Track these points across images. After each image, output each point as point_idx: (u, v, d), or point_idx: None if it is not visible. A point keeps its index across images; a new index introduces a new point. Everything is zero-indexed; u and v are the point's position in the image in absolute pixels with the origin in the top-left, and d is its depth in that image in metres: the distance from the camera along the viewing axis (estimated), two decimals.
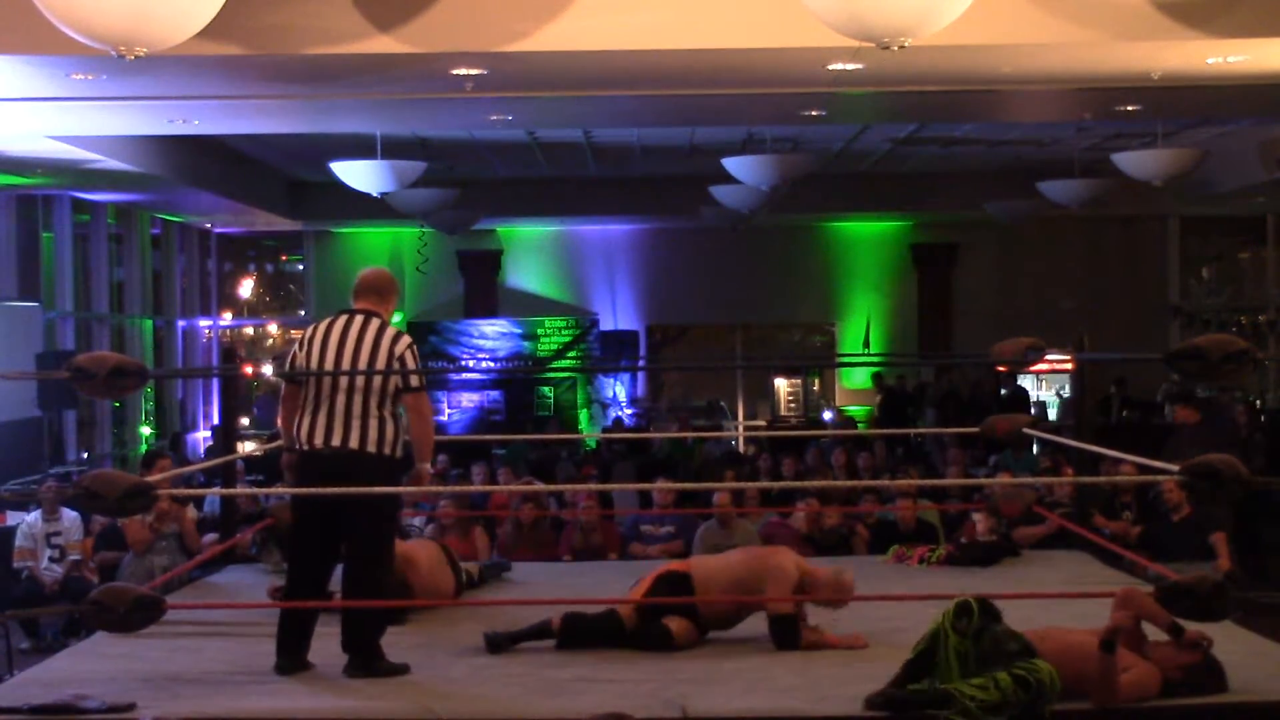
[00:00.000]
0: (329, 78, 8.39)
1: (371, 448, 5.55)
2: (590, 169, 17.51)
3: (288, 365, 5.75)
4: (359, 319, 5.69)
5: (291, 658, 5.57)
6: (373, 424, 5.56)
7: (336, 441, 5.54)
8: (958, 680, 4.71)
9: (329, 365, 5.59)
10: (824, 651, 5.80)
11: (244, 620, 6.38)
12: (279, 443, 5.84)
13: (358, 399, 5.56)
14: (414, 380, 5.63)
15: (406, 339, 5.70)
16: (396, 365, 5.59)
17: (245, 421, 16.14)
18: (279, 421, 5.92)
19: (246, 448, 11.35)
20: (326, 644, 5.70)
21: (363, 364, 5.58)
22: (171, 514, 8.78)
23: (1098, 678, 4.81)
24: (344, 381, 5.57)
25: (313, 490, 5.53)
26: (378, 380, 5.56)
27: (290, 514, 5.91)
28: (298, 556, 5.74)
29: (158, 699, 5.09)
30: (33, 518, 9.60)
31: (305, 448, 5.60)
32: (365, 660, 5.51)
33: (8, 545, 9.64)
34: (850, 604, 6.12)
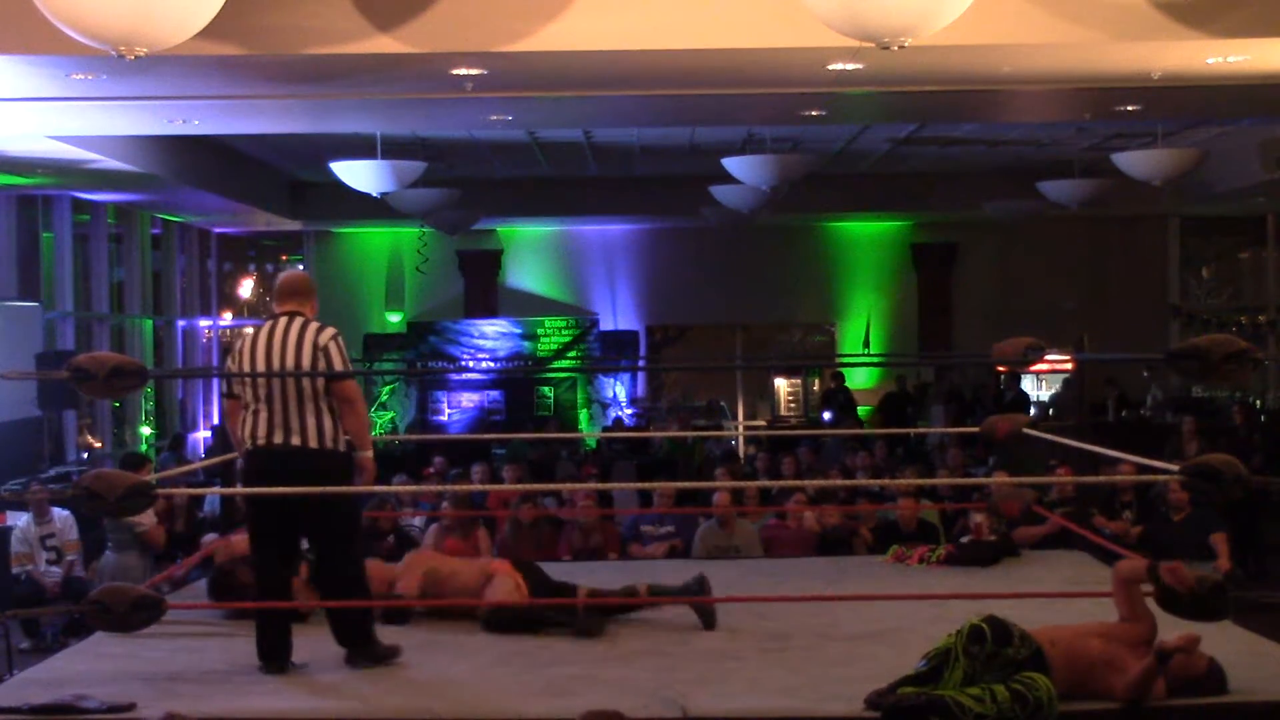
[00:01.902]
0: (329, 78, 8.39)
1: (313, 443, 5.63)
2: (590, 169, 17.50)
3: (224, 378, 5.83)
4: (283, 320, 5.78)
5: (276, 661, 5.59)
6: (311, 421, 5.63)
7: (279, 439, 5.63)
8: (955, 690, 4.70)
9: (261, 369, 5.68)
10: (824, 651, 5.80)
11: (244, 620, 6.39)
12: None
13: (293, 398, 5.64)
14: (338, 369, 5.70)
15: (330, 331, 5.75)
16: (321, 357, 5.66)
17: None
18: (233, 440, 6.02)
19: None
20: (325, 643, 5.71)
21: (291, 364, 5.66)
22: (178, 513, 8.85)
23: (1137, 682, 4.83)
24: (277, 382, 5.65)
25: (318, 490, 5.55)
26: (307, 377, 5.64)
27: (247, 516, 5.96)
28: (263, 558, 5.77)
29: (158, 699, 5.08)
30: (24, 521, 9.59)
31: (249, 446, 5.69)
32: (363, 650, 5.60)
33: (8, 545, 9.64)
34: (850, 604, 6.12)
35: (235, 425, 5.83)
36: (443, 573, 6.76)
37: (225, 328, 20.58)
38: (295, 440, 5.62)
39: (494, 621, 6.27)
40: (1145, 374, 18.47)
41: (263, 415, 5.65)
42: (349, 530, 5.81)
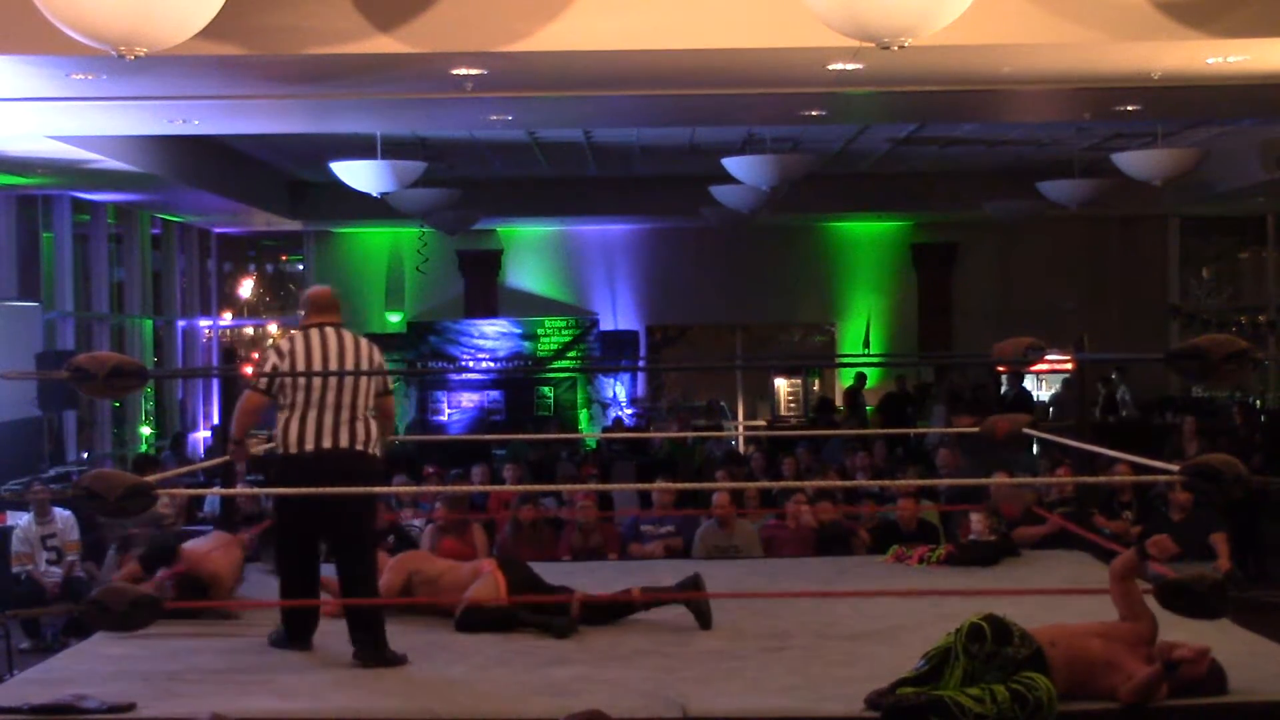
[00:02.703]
0: (329, 78, 8.39)
1: (360, 446, 5.86)
2: (590, 169, 17.50)
3: (267, 374, 5.89)
4: (333, 330, 6.00)
5: (302, 640, 5.87)
6: (360, 426, 5.88)
7: (328, 443, 5.80)
8: (954, 689, 4.70)
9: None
10: (824, 651, 5.80)
11: (244, 620, 6.40)
12: (270, 444, 6.02)
13: (347, 402, 5.85)
14: (390, 383, 6.15)
15: (378, 348, 6.16)
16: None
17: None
18: (235, 427, 6.13)
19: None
20: (327, 642, 5.73)
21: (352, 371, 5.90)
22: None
23: (1143, 688, 4.85)
24: (337, 390, 5.83)
25: (327, 490, 5.64)
26: (364, 384, 5.89)
27: (276, 514, 6.18)
28: (294, 552, 5.99)
29: (158, 699, 5.09)
30: (25, 521, 9.59)
31: (295, 450, 5.81)
32: (374, 651, 5.67)
33: (8, 545, 9.64)
34: (850, 604, 6.11)
35: (249, 423, 5.99)
36: (429, 573, 6.78)
37: (225, 328, 20.58)
38: (344, 443, 5.81)
39: (466, 622, 6.29)
40: (1113, 375, 18.51)
41: (311, 418, 5.80)
42: (372, 532, 6.14)
